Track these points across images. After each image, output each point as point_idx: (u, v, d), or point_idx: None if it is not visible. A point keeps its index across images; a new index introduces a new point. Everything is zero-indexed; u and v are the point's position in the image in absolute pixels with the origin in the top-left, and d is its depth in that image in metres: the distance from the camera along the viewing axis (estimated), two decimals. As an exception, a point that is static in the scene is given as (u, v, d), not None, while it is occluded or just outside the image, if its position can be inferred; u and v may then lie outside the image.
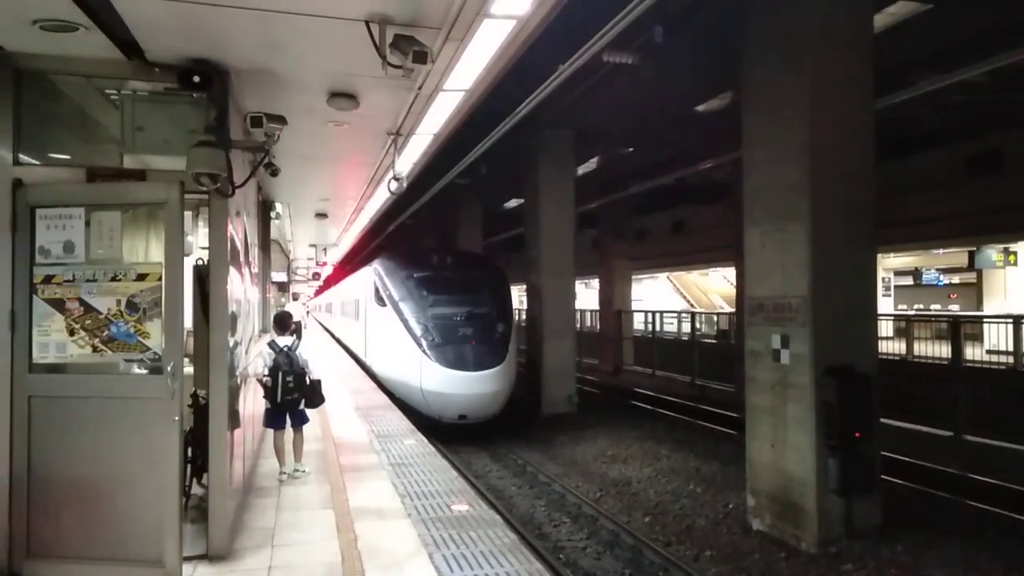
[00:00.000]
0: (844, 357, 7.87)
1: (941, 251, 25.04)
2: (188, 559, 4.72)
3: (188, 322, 5.22)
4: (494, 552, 5.23)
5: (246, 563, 4.96)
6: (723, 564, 7.80)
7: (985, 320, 18.48)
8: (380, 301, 15.48)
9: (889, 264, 27.95)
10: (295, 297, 26.28)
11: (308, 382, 7.15)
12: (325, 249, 21.91)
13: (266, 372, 6.98)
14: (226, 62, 4.82)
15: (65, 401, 4.62)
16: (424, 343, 13.64)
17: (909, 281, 30.91)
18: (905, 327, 17.67)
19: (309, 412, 7.49)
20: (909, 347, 16.55)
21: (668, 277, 38.26)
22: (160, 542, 4.47)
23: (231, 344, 5.23)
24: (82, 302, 4.57)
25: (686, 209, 24.52)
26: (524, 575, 4.83)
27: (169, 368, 4.52)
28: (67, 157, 5.40)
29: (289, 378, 6.95)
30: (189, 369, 5.46)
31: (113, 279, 4.59)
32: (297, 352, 7.07)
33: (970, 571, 7.08)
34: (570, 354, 17.16)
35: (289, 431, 7.28)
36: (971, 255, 21.47)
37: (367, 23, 4.10)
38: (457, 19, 4.11)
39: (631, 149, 18.63)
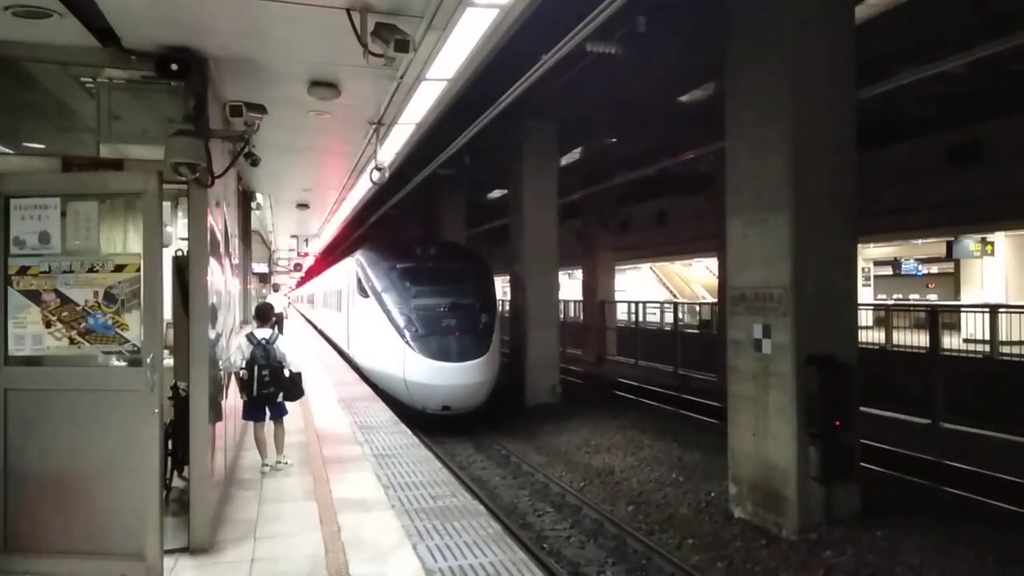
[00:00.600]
0: (825, 346, 7.95)
1: (920, 241, 25.34)
2: (170, 552, 4.68)
3: (168, 314, 5.17)
4: (478, 542, 5.24)
5: (228, 555, 4.93)
6: (705, 552, 7.88)
7: (963, 309, 18.77)
8: (363, 292, 15.40)
9: (869, 254, 28.28)
10: (275, 288, 26.06)
11: (288, 375, 7.09)
12: (307, 240, 21.78)
13: (243, 365, 6.88)
14: (205, 50, 4.74)
15: (42, 394, 4.55)
16: (407, 334, 13.61)
17: (888, 271, 31.29)
18: (884, 316, 17.88)
19: (291, 404, 7.45)
20: (888, 336, 16.75)
21: (651, 268, 38.44)
22: (141, 535, 4.42)
23: (213, 336, 5.17)
24: (58, 293, 4.50)
25: (669, 200, 24.62)
26: (508, 565, 4.84)
27: (148, 360, 4.46)
28: (42, 146, 5.31)
29: (265, 372, 6.85)
30: (169, 361, 5.42)
31: (90, 270, 4.52)
32: (275, 345, 6.99)
33: (947, 556, 7.18)
34: (554, 344, 17.20)
35: (269, 424, 7.23)
36: (949, 245, 21.76)
37: (348, 11, 4.05)
38: (439, 7, 4.07)
39: (614, 140, 18.64)
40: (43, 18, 4.09)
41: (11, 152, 4.80)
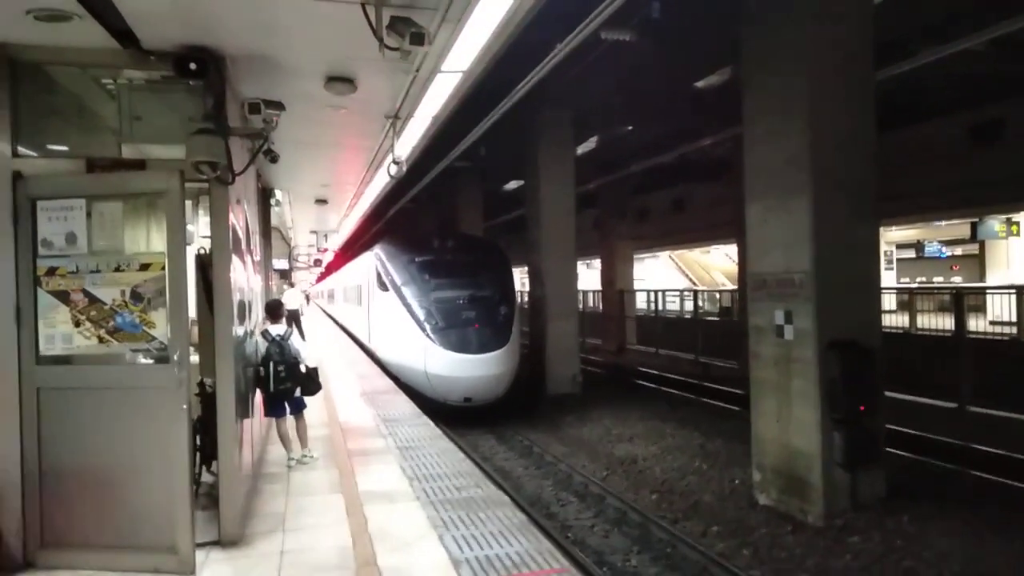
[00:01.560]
0: (848, 331, 7.88)
1: (943, 223, 24.97)
2: (201, 545, 4.76)
3: (192, 311, 5.23)
4: (503, 532, 5.28)
5: (258, 548, 5.01)
6: (730, 539, 7.86)
7: (988, 291, 18.48)
8: (382, 286, 15.48)
9: (891, 237, 27.90)
10: (291, 284, 26.23)
11: (305, 370, 7.14)
12: (326, 235, 21.91)
13: (258, 362, 6.91)
14: (222, 48, 4.79)
15: (73, 392, 4.64)
16: (428, 327, 13.67)
17: (911, 254, 30.88)
18: (908, 300, 17.66)
19: (314, 398, 7.51)
20: (912, 320, 16.55)
21: (670, 256, 38.23)
22: (172, 529, 4.50)
23: (240, 332, 5.23)
24: (86, 293, 4.57)
25: (687, 187, 24.43)
26: (534, 554, 4.87)
27: (175, 357, 4.53)
28: (65, 148, 5.38)
29: (281, 367, 6.88)
30: (194, 358, 5.49)
31: (116, 269, 4.59)
32: (289, 341, 7.03)
33: (974, 540, 7.12)
34: (573, 335, 17.20)
35: (290, 418, 7.31)
36: (973, 226, 21.41)
37: (363, 5, 4.06)
38: (453, -1, 4.08)
39: (630, 128, 18.54)
40: (64, 21, 4.14)
41: (36, 155, 4.86)
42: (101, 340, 4.59)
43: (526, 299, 20.89)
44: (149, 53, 4.69)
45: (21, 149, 4.69)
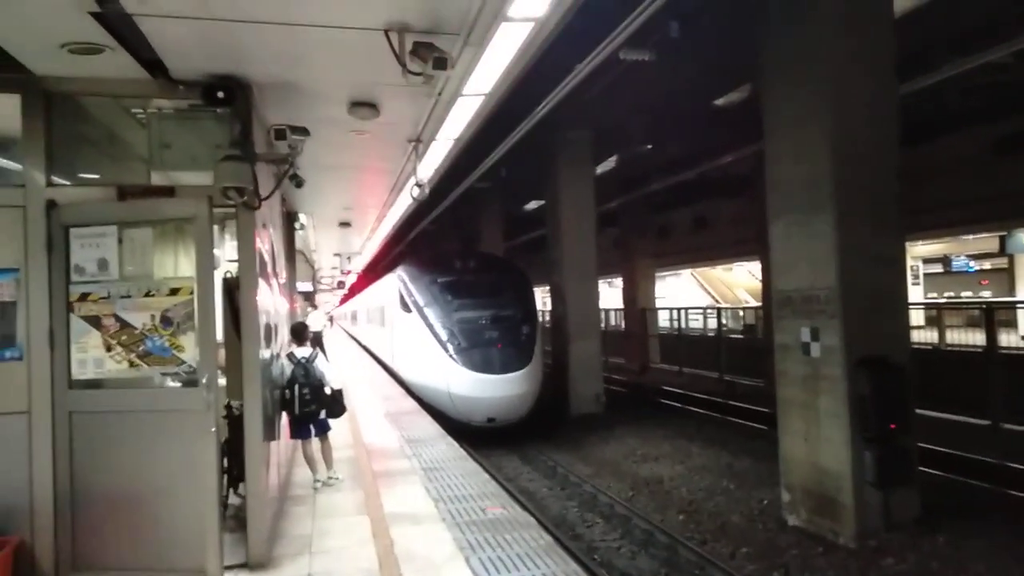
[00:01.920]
0: (876, 348, 7.77)
1: (971, 237, 24.59)
2: (229, 568, 4.78)
3: (219, 334, 5.30)
4: (529, 554, 5.24)
5: (285, 570, 5.01)
6: (760, 561, 7.72)
7: (1019, 306, 18.13)
8: (405, 307, 15.56)
9: (917, 252, 27.50)
10: (315, 307, 26.43)
11: (330, 392, 7.18)
12: (349, 257, 22.09)
13: (283, 384, 6.96)
14: (248, 76, 4.89)
15: (105, 416, 4.71)
16: (450, 347, 13.69)
17: (939, 268, 30.41)
18: (936, 315, 17.38)
19: (339, 420, 7.55)
20: (941, 336, 16.28)
21: (692, 273, 38.00)
22: (202, 551, 4.53)
23: (267, 355, 5.29)
24: (118, 318, 4.66)
25: (708, 204, 24.31)
26: (561, 576, 4.83)
27: (204, 380, 4.58)
28: (97, 176, 5.51)
29: (306, 390, 6.93)
30: (221, 381, 5.55)
31: (147, 294, 4.68)
32: (314, 364, 7.08)
33: (1013, 560, 6.94)
34: (596, 354, 17.12)
35: (315, 440, 7.34)
36: (1002, 240, 21.08)
37: (386, 32, 4.14)
38: (475, 24, 4.13)
39: (649, 146, 18.55)
40: (96, 54, 4.28)
41: (69, 183, 4.98)
42: (131, 364, 4.67)
43: (547, 318, 20.85)
44: (178, 83, 4.81)
45: (55, 178, 4.82)
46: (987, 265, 29.74)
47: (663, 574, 7.64)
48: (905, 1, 9.44)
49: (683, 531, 8.72)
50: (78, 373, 4.68)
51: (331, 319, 42.00)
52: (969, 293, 30.39)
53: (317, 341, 18.62)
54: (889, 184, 8.06)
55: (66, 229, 4.70)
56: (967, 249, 27.82)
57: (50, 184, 4.76)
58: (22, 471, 4.58)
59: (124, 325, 4.65)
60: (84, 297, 4.68)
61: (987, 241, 24.37)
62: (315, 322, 20.36)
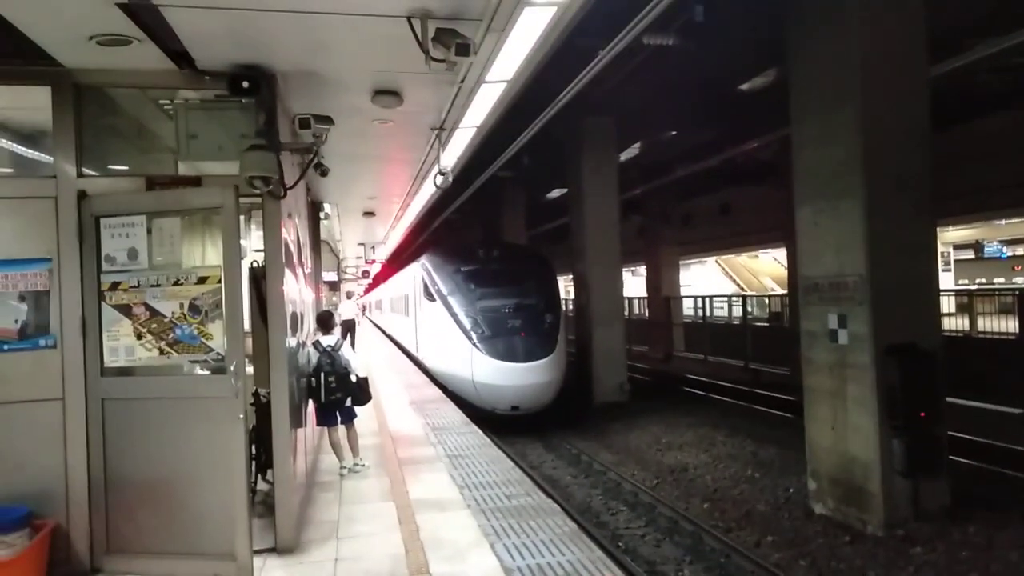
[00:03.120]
0: (906, 335, 7.65)
1: (1004, 222, 24.07)
2: (258, 552, 4.85)
3: (246, 323, 5.36)
4: (555, 540, 5.26)
5: (313, 555, 5.08)
6: (786, 549, 7.68)
7: (1054, 292, 17.72)
8: (429, 296, 15.63)
9: (948, 238, 27.02)
10: (348, 295, 26.62)
11: (355, 380, 7.24)
12: (373, 247, 22.20)
13: (310, 372, 7.03)
14: (273, 66, 4.91)
15: (136, 403, 4.79)
16: (474, 336, 13.74)
17: (970, 255, 29.85)
18: (968, 302, 17.06)
19: (363, 407, 7.61)
20: (972, 323, 15.99)
21: (717, 261, 37.69)
22: (231, 536, 4.60)
23: (294, 344, 5.34)
24: (147, 307, 4.73)
25: (733, 191, 24.04)
26: (586, 563, 4.83)
27: (232, 368, 4.64)
28: (126, 167, 5.58)
29: (331, 378, 7.00)
30: (249, 369, 5.62)
31: (175, 283, 4.74)
32: (340, 352, 7.14)
33: (1048, 551, 6.83)
34: (620, 342, 17.07)
35: (341, 427, 7.41)
36: (1036, 225, 20.60)
37: (409, 19, 4.13)
38: (498, 9, 4.10)
39: (674, 133, 18.37)
40: (124, 45, 4.32)
41: (98, 174, 5.06)
42: (161, 352, 4.74)
43: (571, 307, 20.80)
44: (204, 73, 4.85)
45: (85, 169, 4.89)
46: (1020, 251, 29.12)
47: (688, 562, 7.63)
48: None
49: (708, 519, 8.70)
50: (110, 361, 4.76)
51: (363, 308, 42.26)
52: (1002, 280, 29.78)
53: (350, 329, 18.80)
54: (920, 167, 7.91)
55: (97, 219, 4.77)
56: (1000, 235, 27.26)
57: (80, 175, 4.83)
58: (57, 456, 4.69)
59: (154, 313, 4.72)
60: (115, 286, 4.76)
61: (1020, 226, 23.84)
62: (347, 311, 20.54)
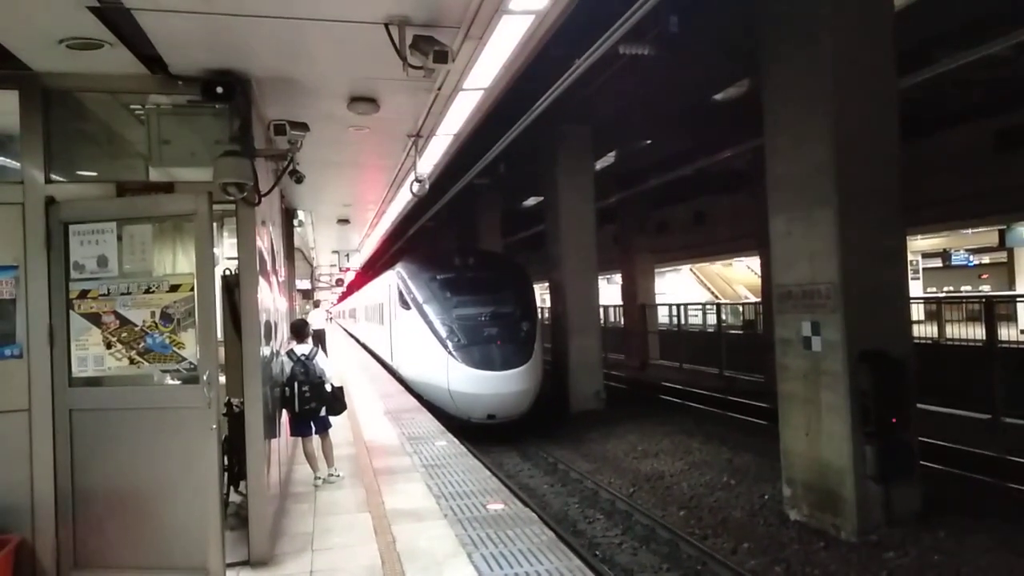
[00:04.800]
0: (877, 342, 7.76)
1: (970, 231, 24.59)
2: (231, 565, 4.76)
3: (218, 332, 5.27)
4: (532, 550, 5.23)
5: (287, 568, 5.00)
6: (761, 556, 7.72)
7: (1019, 299, 18.14)
8: (404, 304, 15.54)
9: (917, 246, 27.51)
10: (316, 304, 26.38)
11: (330, 390, 7.15)
12: (347, 255, 22.03)
13: (283, 381, 6.92)
14: (248, 71, 4.86)
15: (105, 413, 4.69)
16: (450, 344, 13.67)
17: (938, 263, 30.44)
18: (936, 310, 17.39)
19: (339, 417, 7.53)
20: (941, 330, 16.28)
21: (691, 269, 38.00)
22: (203, 549, 4.51)
23: (267, 352, 5.26)
24: (118, 315, 4.63)
25: (707, 199, 24.32)
26: (564, 572, 4.82)
27: (205, 377, 4.56)
28: (96, 173, 5.47)
29: (305, 387, 6.90)
30: (221, 378, 5.52)
31: (147, 291, 4.65)
32: (314, 361, 7.05)
33: (1015, 555, 6.93)
34: (596, 350, 17.11)
35: (316, 437, 7.32)
36: (1001, 234, 21.08)
37: (386, 25, 4.10)
38: (476, 17, 4.10)
39: (648, 142, 18.52)
40: (96, 49, 4.24)
41: (67, 180, 4.95)
42: (132, 361, 4.65)
43: (547, 315, 20.83)
44: (177, 78, 4.78)
45: (54, 175, 4.78)
46: (986, 259, 29.77)
47: (665, 569, 7.64)
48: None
49: (684, 527, 8.72)
50: (78, 371, 4.65)
51: (330, 316, 41.87)
52: (968, 287, 30.42)
53: (319, 338, 18.61)
54: (890, 178, 8.05)
55: (65, 226, 4.66)
56: (966, 243, 27.83)
57: (49, 181, 4.73)
58: (23, 469, 4.56)
59: (124, 322, 4.63)
60: (84, 294, 4.65)
61: (986, 235, 24.37)
62: (316, 320, 20.35)
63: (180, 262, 5.09)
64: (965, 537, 7.38)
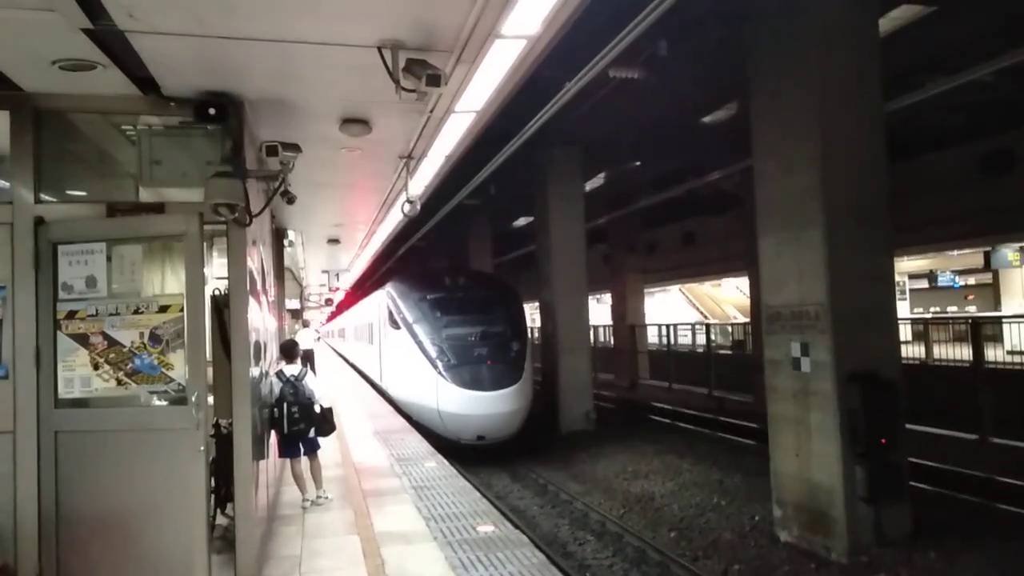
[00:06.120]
0: (866, 363, 7.81)
1: (956, 252, 24.85)
2: (217, 590, 4.70)
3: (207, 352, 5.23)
4: (523, 572, 5.19)
5: (275, 592, 4.94)
6: (753, 578, 7.70)
7: (1004, 320, 18.30)
8: (394, 324, 15.50)
9: (903, 267, 27.76)
10: (305, 324, 26.26)
11: (319, 411, 7.10)
12: (337, 275, 21.98)
13: (272, 402, 6.87)
14: (240, 93, 4.88)
15: (91, 435, 4.62)
16: (440, 364, 13.62)
17: (924, 284, 30.69)
18: (923, 330, 17.50)
19: (327, 438, 7.47)
20: (928, 351, 16.38)
21: (680, 290, 38.16)
22: (190, 572, 4.45)
23: (256, 373, 5.23)
24: (106, 336, 4.59)
25: (696, 220, 24.50)
26: (555, 595, 4.78)
27: (193, 398, 4.52)
28: (85, 194, 5.46)
29: (295, 408, 6.85)
30: (209, 399, 5.48)
31: (136, 312, 4.62)
32: (304, 382, 7.01)
33: (1004, 575, 6.94)
34: (586, 370, 17.10)
35: (304, 459, 7.26)
36: (987, 255, 21.31)
37: (380, 49, 4.13)
38: (468, 41, 4.14)
39: (638, 163, 18.67)
40: (88, 71, 4.24)
41: (57, 200, 4.94)
42: (119, 383, 4.60)
43: (536, 335, 20.82)
44: (169, 99, 4.79)
45: (43, 195, 4.76)
46: (972, 280, 30.06)
47: (656, 592, 7.60)
48: (886, 23, 9.60)
49: (675, 548, 8.68)
50: (64, 392, 4.60)
51: (318, 336, 41.68)
52: (955, 308, 30.66)
53: (308, 359, 18.51)
54: (878, 200, 8.14)
55: (54, 246, 4.64)
56: (952, 265, 28.10)
57: (38, 201, 4.71)
58: (6, 492, 4.49)
59: (112, 343, 4.59)
60: (72, 315, 4.62)
61: (972, 257, 24.63)
62: (305, 340, 20.25)
63: (169, 282, 5.07)
64: (956, 558, 7.38)
